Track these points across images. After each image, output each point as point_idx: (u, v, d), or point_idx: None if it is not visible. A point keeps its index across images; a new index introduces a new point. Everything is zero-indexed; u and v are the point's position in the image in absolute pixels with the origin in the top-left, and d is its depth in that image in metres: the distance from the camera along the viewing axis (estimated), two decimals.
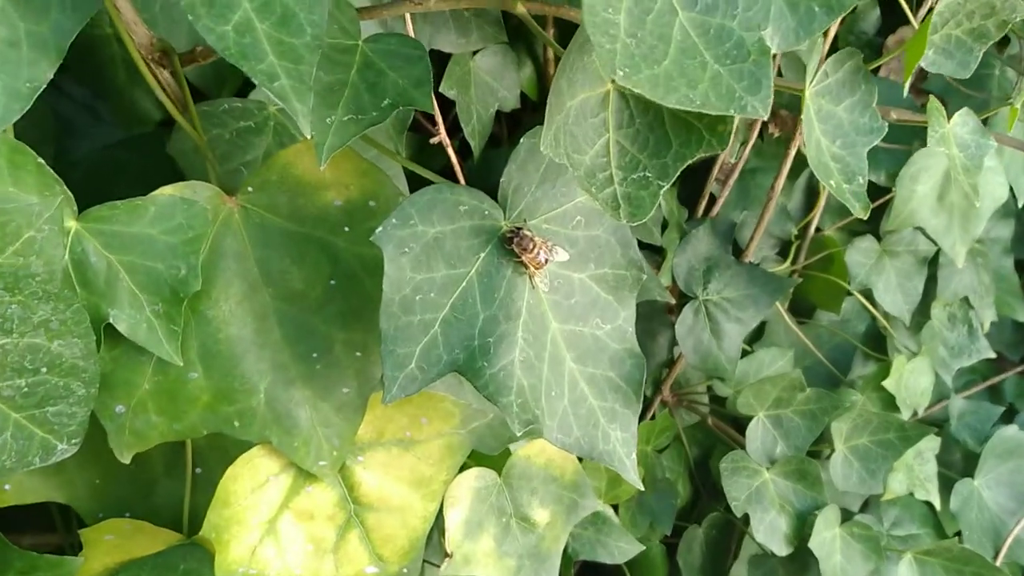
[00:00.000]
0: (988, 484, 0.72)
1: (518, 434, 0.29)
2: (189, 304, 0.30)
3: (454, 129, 0.60)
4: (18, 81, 0.25)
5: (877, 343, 0.71)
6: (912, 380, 0.63)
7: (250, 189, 0.31)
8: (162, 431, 0.31)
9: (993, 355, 0.71)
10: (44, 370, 0.27)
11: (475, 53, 0.56)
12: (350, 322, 0.32)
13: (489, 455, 0.44)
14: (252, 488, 0.33)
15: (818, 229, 0.70)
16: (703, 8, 0.24)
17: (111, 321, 0.29)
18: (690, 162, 0.28)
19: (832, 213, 0.71)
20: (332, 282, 0.32)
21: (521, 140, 0.30)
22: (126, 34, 0.31)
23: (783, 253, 0.69)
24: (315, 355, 0.32)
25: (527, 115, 0.64)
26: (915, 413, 0.65)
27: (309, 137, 0.24)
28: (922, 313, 0.70)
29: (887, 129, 0.35)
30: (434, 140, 0.54)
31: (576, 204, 0.30)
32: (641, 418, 0.62)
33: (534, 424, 0.29)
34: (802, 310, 0.71)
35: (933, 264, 0.68)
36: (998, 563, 0.69)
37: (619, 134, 0.28)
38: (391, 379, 0.28)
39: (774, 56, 0.32)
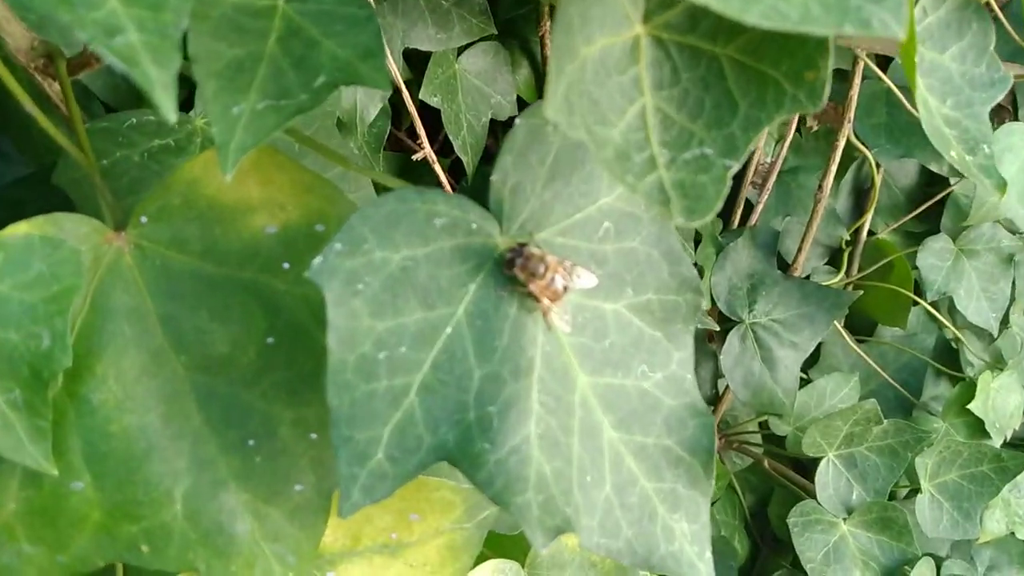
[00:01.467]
0: None
1: (541, 549, 0.19)
2: (63, 387, 0.21)
3: (442, 143, 0.52)
4: None
5: (949, 359, 0.61)
6: (1000, 400, 0.53)
7: (143, 220, 0.22)
8: (41, 567, 0.22)
9: None
10: None
11: (460, 52, 0.47)
12: (298, 393, 0.23)
13: (509, 535, 0.35)
14: None
15: (871, 232, 0.61)
16: None
17: None
18: (767, 129, 0.19)
19: (884, 213, 0.62)
20: (270, 340, 0.23)
21: (517, 120, 0.21)
22: None
23: (834, 263, 0.60)
24: (252, 443, 0.23)
25: None
26: (1005, 439, 0.55)
27: (174, 124, 0.15)
28: (1002, 324, 0.60)
29: (1011, 82, 0.26)
30: (417, 156, 0.45)
31: (602, 206, 0.21)
32: None
33: (564, 528, 0.20)
34: (861, 327, 0.61)
35: (1008, 263, 0.59)
36: None
37: (660, 97, 0.19)
38: (349, 479, 0.19)
39: None
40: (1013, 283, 0.57)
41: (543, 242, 0.21)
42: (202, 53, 0.19)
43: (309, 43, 0.21)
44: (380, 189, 0.36)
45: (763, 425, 0.59)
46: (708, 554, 0.23)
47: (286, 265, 0.23)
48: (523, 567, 0.35)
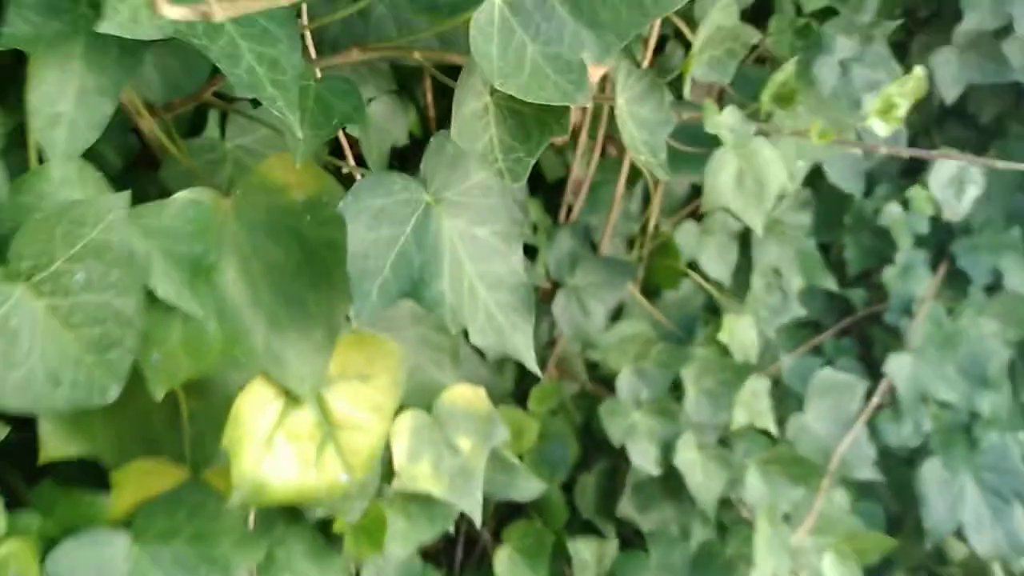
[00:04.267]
0: (814, 416, 0.90)
1: (453, 331, 0.42)
2: (206, 273, 0.42)
3: (358, 160, 0.73)
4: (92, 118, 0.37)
5: (714, 313, 0.88)
6: (740, 333, 0.79)
7: (239, 192, 0.43)
8: (188, 370, 0.42)
9: (803, 313, 0.89)
10: (110, 322, 0.38)
11: (370, 101, 0.69)
12: (317, 284, 0.45)
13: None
14: (254, 411, 0.45)
15: (656, 227, 0.86)
16: (543, 42, 0.39)
17: (151, 288, 0.40)
18: (546, 144, 0.42)
19: (665, 212, 0.88)
20: (301, 256, 0.45)
21: (431, 139, 0.43)
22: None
23: (631, 246, 0.85)
24: (295, 309, 0.44)
25: (413, 150, 0.78)
26: (747, 362, 0.81)
27: (300, 137, 0.37)
28: (746, 285, 0.87)
29: (675, 122, 0.51)
30: (345, 170, 0.66)
31: (477, 180, 0.44)
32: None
33: (464, 327, 0.42)
34: (650, 292, 0.86)
35: (747, 244, 0.86)
36: (826, 483, 0.86)
37: (499, 129, 0.42)
38: (360, 307, 0.41)
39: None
40: (748, 256, 0.83)
41: (447, 198, 0.43)
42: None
43: (327, 102, 0.43)
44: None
45: (587, 362, 0.83)
46: (531, 353, 0.45)
47: (308, 217, 0.45)
48: (430, 416, 0.56)
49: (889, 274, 1.01)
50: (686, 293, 0.86)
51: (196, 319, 0.42)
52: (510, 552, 0.71)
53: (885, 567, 1.04)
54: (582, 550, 0.73)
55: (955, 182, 0.83)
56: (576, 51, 0.39)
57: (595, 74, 0.41)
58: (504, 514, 0.76)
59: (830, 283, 0.96)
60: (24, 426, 0.45)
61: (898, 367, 0.95)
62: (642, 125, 0.49)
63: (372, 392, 0.49)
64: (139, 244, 0.40)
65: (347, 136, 0.66)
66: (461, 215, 0.43)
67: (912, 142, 1.01)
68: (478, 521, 0.56)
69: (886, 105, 0.54)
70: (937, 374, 0.96)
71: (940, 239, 1.06)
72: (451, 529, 0.60)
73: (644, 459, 0.72)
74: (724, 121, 0.53)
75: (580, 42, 0.39)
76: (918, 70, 0.55)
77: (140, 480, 0.47)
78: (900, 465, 1.04)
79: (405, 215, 0.42)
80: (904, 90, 0.54)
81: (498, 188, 0.44)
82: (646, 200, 0.86)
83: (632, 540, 0.78)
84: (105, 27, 0.33)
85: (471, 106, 0.41)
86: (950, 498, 0.97)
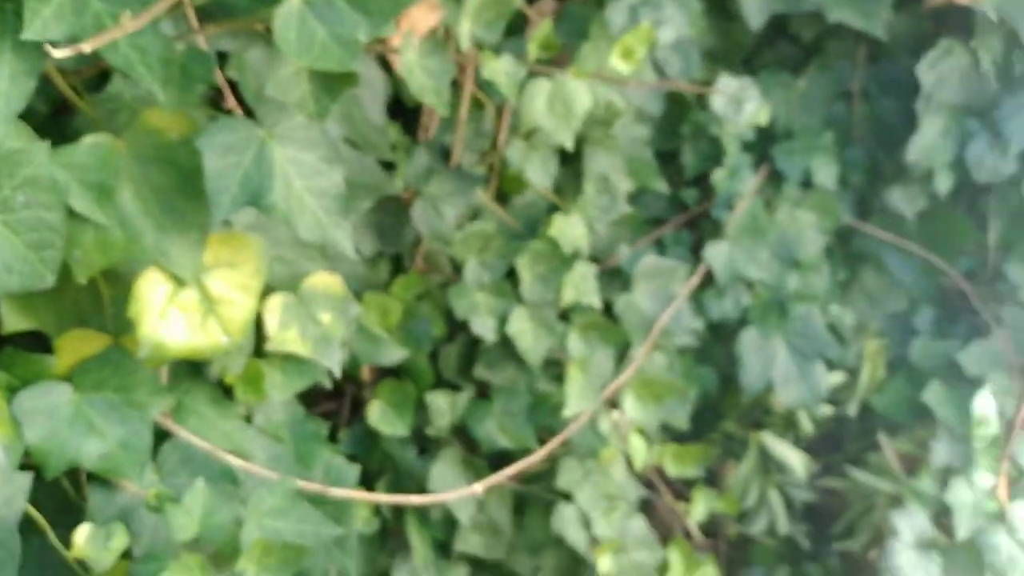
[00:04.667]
0: (640, 295, 1.10)
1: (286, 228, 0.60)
2: (108, 194, 0.59)
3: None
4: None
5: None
6: (568, 229, 0.98)
7: (129, 134, 0.61)
8: (100, 263, 0.60)
9: (628, 210, 1.08)
10: (44, 229, 0.56)
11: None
12: (190, 198, 0.62)
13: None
14: (150, 291, 0.63)
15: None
16: (329, 26, 0.56)
17: (70, 205, 0.58)
18: (343, 92, 0.60)
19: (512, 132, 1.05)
20: (177, 178, 0.62)
21: (265, 91, 0.60)
22: None
23: (483, 159, 1.02)
24: (175, 217, 0.62)
25: None
26: (575, 252, 1.00)
27: (163, 99, 0.54)
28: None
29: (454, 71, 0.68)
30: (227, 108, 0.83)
31: (298, 120, 0.61)
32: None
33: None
34: (502, 197, 1.04)
35: (579, 158, 1.04)
36: (646, 347, 1.06)
37: (310, 86, 0.60)
38: (216, 212, 0.59)
39: None
40: (579, 166, 1.02)
41: (277, 134, 0.61)
42: None
43: (187, 69, 0.59)
44: None
45: (451, 257, 1.01)
46: (350, 243, 0.64)
47: (181, 150, 0.62)
48: (296, 296, 0.75)
49: (718, 176, 1.20)
50: (532, 198, 1.04)
51: (104, 226, 0.59)
52: (381, 405, 0.91)
53: (715, 416, 1.27)
54: (438, 400, 0.93)
55: (734, 101, 1.02)
56: (352, 31, 0.56)
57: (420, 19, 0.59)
58: (380, 377, 0.96)
59: (661, 186, 1.15)
60: None
61: (715, 253, 1.15)
62: (430, 75, 0.66)
63: (239, 276, 0.67)
64: (60, 174, 0.57)
65: (228, 81, 0.82)
66: (289, 145, 0.61)
67: (745, 61, 1.20)
68: (338, 373, 0.76)
69: (625, 50, 0.71)
70: (749, 257, 1.16)
71: (766, 144, 1.26)
72: (329, 386, 0.80)
73: (484, 329, 0.92)
74: (500, 67, 0.71)
75: (356, 24, 0.56)
76: (645, 23, 0.73)
77: (76, 346, 0.66)
78: (732, 335, 1.26)
79: (245, 147, 0.60)
80: (638, 38, 0.72)
81: (316, 125, 0.62)
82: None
83: (485, 396, 0.99)
84: (26, 35, 0.50)
85: (286, 70, 0.58)
86: (763, 359, 1.19)
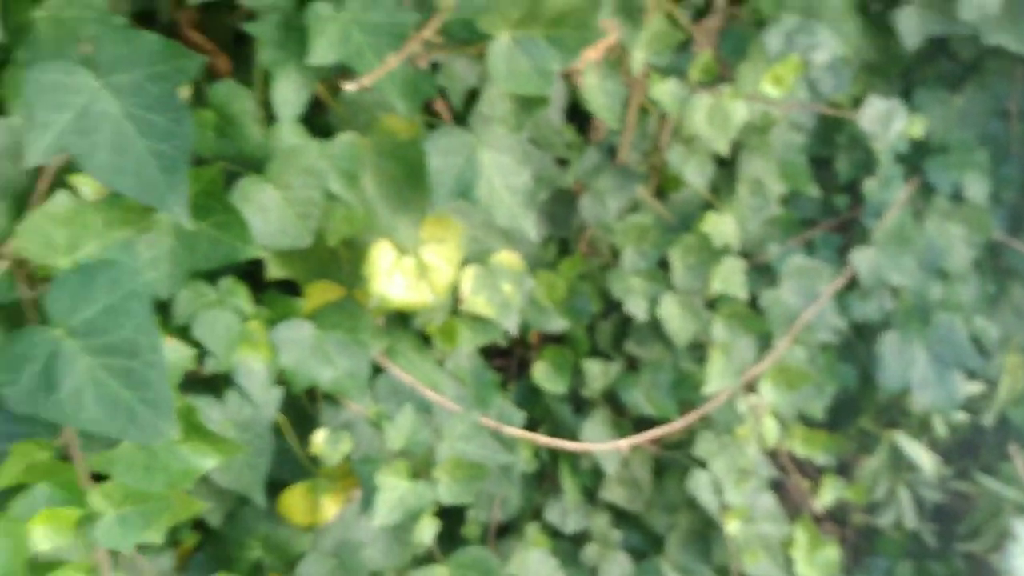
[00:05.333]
0: (786, 291, 1.20)
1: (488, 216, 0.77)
2: (355, 180, 0.78)
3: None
4: None
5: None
6: (720, 226, 1.10)
7: (372, 135, 0.79)
8: (345, 232, 0.79)
9: (779, 211, 1.18)
10: (308, 204, 0.75)
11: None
12: (414, 187, 0.80)
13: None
14: (380, 257, 0.81)
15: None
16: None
17: (327, 187, 0.76)
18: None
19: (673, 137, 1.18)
20: (405, 170, 0.80)
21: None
22: None
23: (646, 157, 1.16)
24: (402, 201, 0.80)
25: None
26: (725, 247, 1.12)
27: (402, 110, 0.72)
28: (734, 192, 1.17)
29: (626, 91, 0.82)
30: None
31: (501, 131, 0.77)
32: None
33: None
34: (661, 193, 1.17)
35: (734, 161, 1.15)
36: (787, 339, 1.16)
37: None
38: (435, 201, 0.76)
39: None
40: (734, 168, 1.13)
41: (488, 142, 0.77)
42: None
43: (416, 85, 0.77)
44: None
45: (610, 244, 1.15)
46: (534, 230, 0.80)
47: (409, 149, 0.80)
48: (486, 268, 0.91)
49: (869, 185, 1.28)
50: (688, 195, 1.17)
51: (350, 204, 0.78)
52: (544, 366, 1.07)
53: (852, 411, 1.35)
54: (593, 367, 1.08)
55: (882, 120, 1.10)
56: (549, 63, 0.71)
57: (601, 48, 0.74)
58: (546, 343, 1.12)
59: (813, 190, 1.24)
60: (255, 265, 0.83)
61: (862, 257, 1.23)
62: (606, 95, 0.81)
63: (445, 250, 0.84)
64: (321, 164, 0.76)
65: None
66: (493, 150, 0.77)
67: (904, 75, 1.27)
68: (514, 333, 0.92)
69: (776, 78, 0.83)
70: (894, 264, 1.23)
71: (919, 156, 1.31)
72: (506, 345, 0.97)
73: (636, 309, 1.06)
74: (667, 88, 0.84)
75: (552, 57, 0.71)
76: (794, 56, 0.84)
77: (319, 293, 0.85)
78: (874, 336, 1.34)
79: (461, 150, 0.76)
80: (788, 68, 0.83)
81: (514, 135, 0.78)
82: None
83: (634, 368, 1.13)
84: (311, 60, 0.68)
85: (493, 91, 0.75)
86: (903, 362, 1.26)
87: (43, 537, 0.58)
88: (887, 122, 1.08)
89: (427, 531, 0.82)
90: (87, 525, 0.61)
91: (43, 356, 0.55)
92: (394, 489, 0.79)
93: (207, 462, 0.65)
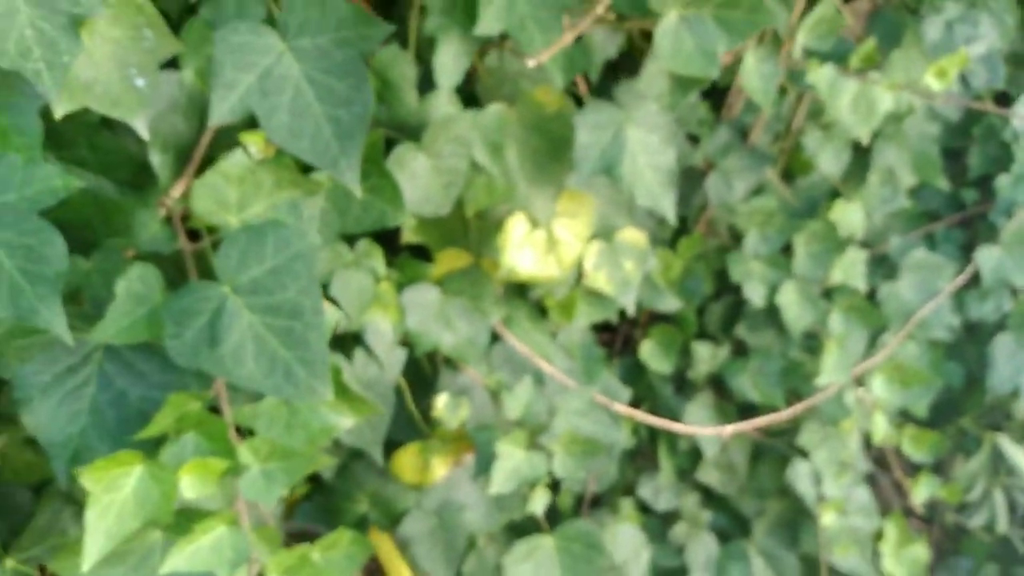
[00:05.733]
0: (904, 285, 1.16)
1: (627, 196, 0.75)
2: (500, 151, 0.77)
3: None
4: None
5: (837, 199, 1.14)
6: (848, 215, 1.07)
7: (518, 106, 0.78)
8: (484, 201, 0.78)
9: (906, 204, 1.14)
10: (451, 173, 0.74)
11: None
12: (555, 160, 0.79)
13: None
14: (514, 228, 0.80)
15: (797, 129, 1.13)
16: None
17: (474, 156, 0.76)
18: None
19: (811, 116, 1.14)
20: (548, 144, 0.79)
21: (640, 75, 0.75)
22: None
23: (776, 139, 1.12)
24: (542, 173, 0.79)
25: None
26: (850, 236, 1.09)
27: (558, 83, 0.70)
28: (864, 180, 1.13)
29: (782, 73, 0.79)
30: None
31: (650, 108, 0.76)
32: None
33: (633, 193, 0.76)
34: (788, 176, 1.14)
35: (868, 148, 1.11)
36: (902, 334, 1.13)
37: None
38: (579, 175, 0.75)
39: None
40: (867, 158, 1.09)
41: (635, 118, 0.76)
42: None
43: (579, 55, 0.75)
44: None
45: (729, 225, 1.13)
46: (673, 211, 0.78)
47: (555, 122, 0.78)
48: (608, 244, 0.90)
49: (1002, 181, 1.22)
50: (815, 180, 1.13)
51: (492, 175, 0.77)
52: (651, 344, 1.06)
53: (954, 410, 1.31)
54: (701, 350, 1.07)
55: None
56: (715, 45, 0.69)
57: None
58: (652, 321, 1.11)
59: (942, 183, 1.19)
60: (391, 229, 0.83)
61: (986, 256, 1.18)
62: (762, 78, 0.78)
63: (577, 225, 0.83)
64: (472, 134, 0.75)
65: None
66: (640, 128, 0.76)
67: None
68: (631, 310, 0.91)
69: (940, 71, 0.79)
70: (1019, 266, 1.18)
71: None
72: (615, 321, 0.96)
73: (754, 294, 1.03)
74: (823, 74, 0.80)
75: (718, 39, 0.69)
76: (963, 50, 0.79)
77: (448, 260, 0.85)
78: (986, 337, 1.29)
79: (608, 126, 0.75)
80: (954, 61, 0.79)
81: (665, 113, 0.76)
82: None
83: (742, 353, 1.11)
84: (479, 30, 0.66)
85: (653, 67, 0.72)
86: (1015, 365, 1.22)
87: (189, 486, 0.60)
88: None
89: (540, 502, 0.82)
90: (230, 477, 0.62)
91: (209, 311, 0.56)
92: (511, 458, 0.80)
93: (345, 421, 0.66)
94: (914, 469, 1.28)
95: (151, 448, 0.60)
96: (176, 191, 0.63)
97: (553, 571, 0.83)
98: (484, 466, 0.80)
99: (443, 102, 0.71)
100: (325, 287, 0.75)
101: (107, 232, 0.61)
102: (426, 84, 0.72)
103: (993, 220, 1.22)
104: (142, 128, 0.53)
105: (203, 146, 0.63)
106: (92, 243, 0.60)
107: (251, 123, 0.58)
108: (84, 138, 0.61)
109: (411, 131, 0.70)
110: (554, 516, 0.95)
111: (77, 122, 0.60)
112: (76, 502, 0.64)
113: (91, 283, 0.58)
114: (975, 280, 1.21)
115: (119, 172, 0.62)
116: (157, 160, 0.61)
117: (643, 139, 0.76)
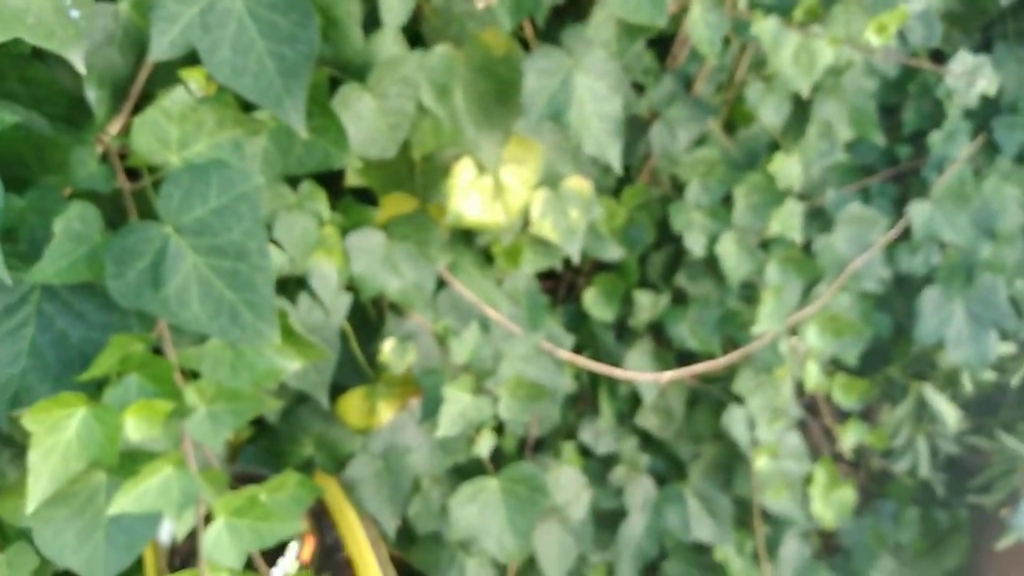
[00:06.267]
0: (839, 238, 1.19)
1: (574, 143, 0.76)
2: (447, 93, 0.76)
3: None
4: None
5: (776, 151, 1.17)
6: (786, 168, 1.09)
7: (466, 48, 0.77)
8: (431, 145, 0.78)
9: (843, 158, 1.17)
10: (397, 114, 0.74)
11: None
12: (503, 105, 0.79)
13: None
14: (462, 173, 0.80)
15: (740, 80, 1.14)
16: None
17: (420, 99, 0.75)
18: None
19: (753, 67, 1.15)
20: (495, 87, 0.78)
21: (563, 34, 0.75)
22: None
23: (719, 90, 1.13)
24: (489, 118, 0.79)
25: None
26: (788, 188, 1.11)
27: (507, 25, 0.70)
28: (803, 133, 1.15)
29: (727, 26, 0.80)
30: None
31: (599, 54, 0.76)
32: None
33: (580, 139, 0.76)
34: (730, 127, 1.16)
35: (807, 102, 1.13)
36: (836, 285, 1.17)
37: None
38: (527, 121, 0.75)
39: None
40: (806, 111, 1.11)
41: (583, 64, 0.76)
42: None
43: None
44: None
45: (671, 175, 1.14)
46: (619, 161, 0.79)
47: (502, 65, 0.78)
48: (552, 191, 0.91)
49: (934, 138, 1.26)
50: (756, 132, 1.15)
51: (439, 118, 0.77)
52: (595, 292, 1.07)
53: (882, 359, 1.37)
54: (642, 298, 1.09)
55: (967, 77, 1.07)
56: None
57: None
58: (595, 270, 1.12)
59: (878, 138, 1.22)
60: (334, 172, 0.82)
61: (918, 211, 1.22)
62: (707, 27, 0.79)
63: (524, 171, 0.84)
64: (417, 75, 0.74)
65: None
66: (588, 75, 0.76)
67: (987, 25, 1.23)
68: (576, 258, 0.92)
69: (880, 27, 0.80)
70: (948, 221, 1.23)
71: (987, 114, 1.29)
72: (559, 269, 0.97)
73: (695, 244, 1.06)
74: (767, 26, 0.81)
75: None
76: (902, 6, 0.81)
77: (393, 205, 0.85)
78: (914, 289, 1.34)
79: (557, 72, 0.75)
80: (894, 17, 0.80)
81: (613, 60, 0.76)
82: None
83: (681, 301, 1.13)
84: None
85: (602, 15, 0.72)
86: (941, 317, 1.27)
87: (134, 427, 0.59)
88: (971, 80, 1.05)
89: (485, 445, 0.84)
90: (176, 419, 0.62)
91: (152, 252, 0.55)
92: (457, 402, 0.81)
93: (291, 364, 0.66)
94: (843, 416, 1.34)
95: (94, 390, 0.59)
96: (113, 128, 0.61)
97: (498, 512, 0.85)
98: (431, 410, 0.81)
99: (389, 41, 0.70)
100: (268, 230, 0.74)
101: (42, 170, 0.59)
102: (371, 23, 0.71)
103: (925, 176, 1.26)
104: (78, 61, 0.51)
105: (140, 82, 0.61)
106: (27, 181, 0.59)
107: (190, 59, 0.57)
108: (15, 70, 0.59)
109: (356, 71, 0.69)
110: (498, 459, 0.97)
111: (7, 54, 0.58)
112: (15, 444, 0.63)
113: (27, 222, 0.56)
114: (906, 234, 1.25)
115: (53, 107, 0.60)
116: (93, 95, 0.59)
117: (591, 86, 0.76)
